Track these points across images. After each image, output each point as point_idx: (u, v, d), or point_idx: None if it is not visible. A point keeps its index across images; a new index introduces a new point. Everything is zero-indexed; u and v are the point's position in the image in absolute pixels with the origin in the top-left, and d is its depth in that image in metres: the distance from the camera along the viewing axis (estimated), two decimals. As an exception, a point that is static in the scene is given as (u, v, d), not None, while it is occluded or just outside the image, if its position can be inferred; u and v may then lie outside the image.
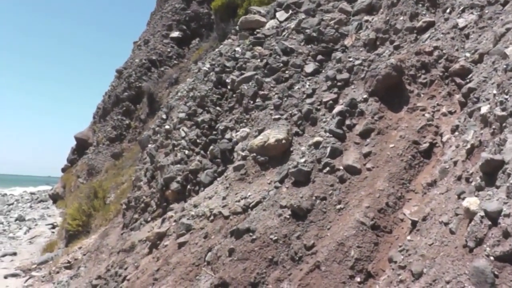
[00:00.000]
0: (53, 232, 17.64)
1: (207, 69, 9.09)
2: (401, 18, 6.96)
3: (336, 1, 8.57)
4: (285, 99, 7.17)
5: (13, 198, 33.59)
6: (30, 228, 18.81)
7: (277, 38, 8.46)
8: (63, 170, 27.33)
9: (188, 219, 6.44)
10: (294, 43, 8.06)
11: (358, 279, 4.30)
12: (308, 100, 6.83)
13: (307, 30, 8.09)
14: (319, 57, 7.64)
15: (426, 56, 5.91)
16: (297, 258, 4.80)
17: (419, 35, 6.57)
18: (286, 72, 7.64)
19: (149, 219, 8.02)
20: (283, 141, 6.33)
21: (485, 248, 2.96)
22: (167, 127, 8.73)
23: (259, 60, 8.22)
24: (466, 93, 4.93)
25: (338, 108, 6.18)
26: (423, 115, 5.48)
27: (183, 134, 8.16)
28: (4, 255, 13.95)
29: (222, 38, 13.18)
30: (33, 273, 11.80)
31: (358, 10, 8.07)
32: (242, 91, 7.87)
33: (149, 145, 9.26)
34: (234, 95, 8.18)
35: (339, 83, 6.76)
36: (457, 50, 5.76)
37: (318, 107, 6.66)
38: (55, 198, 25.85)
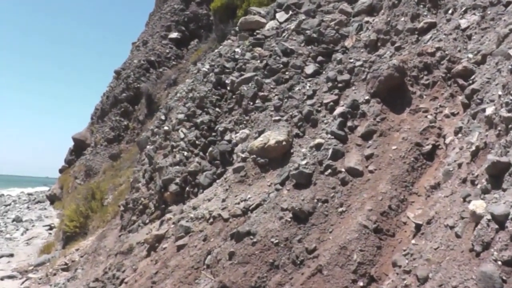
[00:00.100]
0: (50, 234, 17.52)
1: (206, 70, 9.03)
2: (402, 19, 6.91)
3: (337, 2, 8.52)
4: (285, 100, 7.10)
5: (10, 198, 33.43)
6: (27, 229, 18.68)
7: (277, 39, 8.40)
8: (61, 171, 27.20)
9: (187, 221, 6.37)
10: (294, 44, 8.00)
11: (361, 284, 4.24)
12: (309, 102, 6.76)
13: (307, 31, 8.03)
14: (319, 58, 7.58)
15: (428, 57, 5.86)
16: (298, 262, 4.73)
17: (421, 36, 6.52)
18: (286, 73, 7.58)
19: (147, 221, 7.94)
20: (284, 142, 6.27)
21: (493, 253, 2.91)
22: (166, 128, 8.66)
23: (259, 61, 8.16)
24: (469, 95, 4.88)
25: (339, 109, 6.12)
26: (426, 116, 5.43)
27: (182, 135, 8.09)
28: (0, 257, 13.84)
29: (221, 39, 13.13)
30: (30, 275, 11.69)
31: (359, 11, 8.02)
32: (242, 92, 7.81)
33: (148, 146, 9.19)
34: (233, 96, 8.12)
35: (339, 84, 6.70)
36: (459, 51, 5.71)
37: (319, 108, 6.59)
38: (53, 199, 25.72)
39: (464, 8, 5.96)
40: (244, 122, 7.56)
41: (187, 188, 7.42)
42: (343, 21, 8.01)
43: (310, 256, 4.70)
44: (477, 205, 3.21)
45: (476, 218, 3.19)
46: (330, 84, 6.77)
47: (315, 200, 5.17)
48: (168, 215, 7.17)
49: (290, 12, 8.91)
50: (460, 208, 3.56)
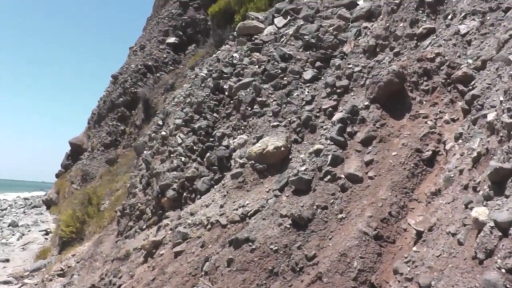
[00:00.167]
0: (46, 239, 17.41)
1: (204, 75, 8.99)
2: (401, 24, 6.90)
3: (335, 8, 8.51)
4: (284, 105, 7.07)
5: (6, 203, 33.28)
6: (23, 234, 18.57)
7: (275, 44, 8.38)
8: (57, 175, 27.09)
9: (184, 227, 6.31)
10: (292, 50, 7.98)
11: (362, 291, 4.19)
12: (307, 107, 6.73)
13: (305, 37, 8.01)
14: (318, 63, 7.55)
15: (428, 63, 5.84)
16: (298, 269, 4.68)
17: (420, 41, 6.50)
18: (285, 78, 7.55)
19: (144, 227, 7.87)
20: (282, 148, 6.22)
21: (496, 260, 2.87)
22: (163, 133, 8.61)
23: (257, 66, 8.13)
24: (469, 100, 4.86)
25: (338, 115, 6.08)
26: (426, 122, 5.40)
27: (179, 140, 8.04)
28: (-4, 262, 13.75)
29: (219, 44, 13.10)
30: (26, 281, 11.59)
31: (357, 16, 8.01)
32: (240, 97, 7.77)
33: (145, 152, 9.12)
34: (231, 102, 8.07)
35: (338, 90, 6.68)
36: (459, 56, 5.69)
37: (317, 114, 6.56)
38: (49, 204, 25.59)
39: (463, 14, 5.95)
40: (242, 127, 7.52)
41: (184, 194, 7.36)
42: (342, 27, 7.99)
43: (310, 263, 4.65)
44: (480, 212, 3.18)
45: (478, 225, 3.15)
46: (328, 89, 6.75)
47: (315, 207, 5.13)
48: (165, 221, 7.10)
49: (289, 17, 8.89)
50: (462, 215, 3.52)
